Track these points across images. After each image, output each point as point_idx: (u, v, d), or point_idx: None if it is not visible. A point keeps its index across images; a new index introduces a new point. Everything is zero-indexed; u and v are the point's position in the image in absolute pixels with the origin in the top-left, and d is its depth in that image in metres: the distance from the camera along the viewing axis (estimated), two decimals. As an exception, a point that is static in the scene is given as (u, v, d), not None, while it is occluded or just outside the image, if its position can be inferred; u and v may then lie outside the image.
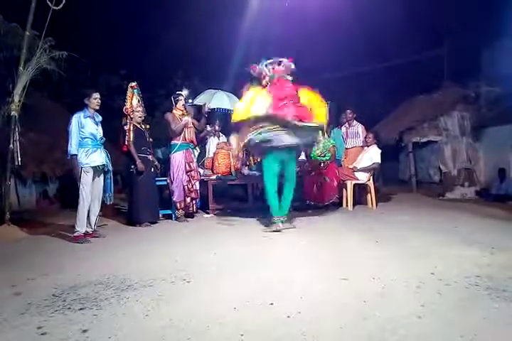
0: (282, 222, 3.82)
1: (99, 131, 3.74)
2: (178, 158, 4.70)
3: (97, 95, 3.71)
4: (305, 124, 3.75)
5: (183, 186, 4.71)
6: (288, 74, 3.99)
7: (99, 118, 3.80)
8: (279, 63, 3.96)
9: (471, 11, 8.25)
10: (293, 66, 4.00)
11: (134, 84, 4.59)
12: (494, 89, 7.66)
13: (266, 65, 3.97)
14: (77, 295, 2.04)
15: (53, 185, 6.92)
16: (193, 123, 4.85)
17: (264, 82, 3.96)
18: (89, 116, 3.67)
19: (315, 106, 3.96)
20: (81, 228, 3.58)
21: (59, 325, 1.67)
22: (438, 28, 9.73)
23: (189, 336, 1.53)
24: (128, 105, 4.50)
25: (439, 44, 10.00)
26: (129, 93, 4.54)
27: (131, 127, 4.38)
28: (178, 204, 4.73)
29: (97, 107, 3.75)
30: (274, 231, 3.77)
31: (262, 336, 1.51)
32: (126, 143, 4.33)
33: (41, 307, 1.89)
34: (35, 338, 1.57)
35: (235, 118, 3.91)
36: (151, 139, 4.64)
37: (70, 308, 1.86)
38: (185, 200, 4.75)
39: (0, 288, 2.21)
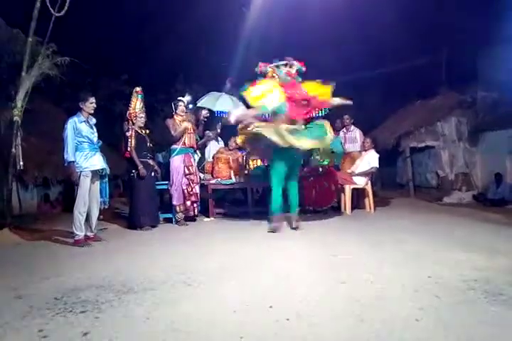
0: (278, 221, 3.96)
1: (95, 135, 3.72)
2: (177, 162, 4.74)
3: (93, 99, 3.66)
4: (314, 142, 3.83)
5: (183, 189, 4.74)
6: (298, 76, 4.09)
7: (94, 121, 3.76)
8: (291, 65, 4.02)
9: (468, 18, 8.36)
10: (303, 68, 4.09)
11: (138, 89, 4.59)
12: (491, 94, 7.73)
13: (278, 67, 4.00)
14: (78, 298, 2.05)
15: (55, 189, 6.94)
16: (193, 129, 4.90)
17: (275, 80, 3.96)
18: (84, 121, 3.61)
19: (320, 93, 3.97)
20: (80, 232, 3.56)
21: (60, 328, 1.68)
22: (435, 34, 9.85)
23: (189, 339, 1.55)
24: (131, 110, 4.53)
25: (436, 50, 10.11)
26: (133, 98, 4.55)
27: (133, 133, 4.41)
28: (177, 208, 4.75)
29: (92, 111, 3.69)
30: (272, 229, 3.88)
31: (261, 339, 1.53)
32: (128, 149, 4.35)
33: (42, 310, 1.90)
34: (36, 341, 1.58)
35: (252, 100, 3.80)
36: (151, 144, 4.67)
37: (71, 311, 1.87)
38: (184, 203, 4.77)
39: (2, 292, 2.22)
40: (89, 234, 3.70)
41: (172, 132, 4.69)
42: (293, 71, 4.02)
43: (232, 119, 3.88)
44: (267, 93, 3.74)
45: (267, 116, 4.11)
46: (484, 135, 7.52)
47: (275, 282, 2.24)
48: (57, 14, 4.30)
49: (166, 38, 10.54)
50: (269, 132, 3.66)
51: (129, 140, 4.36)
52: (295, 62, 4.04)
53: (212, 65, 11.24)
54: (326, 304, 1.86)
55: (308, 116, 3.93)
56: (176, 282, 2.29)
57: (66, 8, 4.30)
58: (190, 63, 11.63)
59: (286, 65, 4.02)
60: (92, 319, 1.77)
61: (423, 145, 8.16)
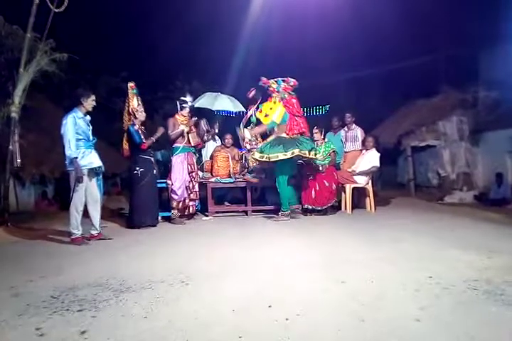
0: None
1: (90, 132, 3.67)
2: (180, 159, 4.78)
3: (93, 97, 3.65)
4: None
5: (186, 186, 4.79)
6: (292, 91, 4.81)
7: (89, 118, 3.71)
8: (288, 82, 4.75)
9: (469, 17, 8.32)
10: (295, 83, 4.77)
11: (132, 84, 4.56)
12: (492, 93, 7.71)
13: (277, 82, 4.74)
14: (76, 297, 2.04)
15: (52, 187, 6.92)
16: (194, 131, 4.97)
17: (274, 96, 4.75)
18: (81, 117, 3.57)
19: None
20: (77, 230, 3.51)
21: (57, 326, 1.67)
22: (436, 33, 9.82)
23: (188, 338, 1.54)
24: (131, 105, 4.51)
25: (437, 49, 10.07)
26: (129, 94, 4.54)
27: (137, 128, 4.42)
28: (175, 203, 4.73)
29: (91, 109, 3.66)
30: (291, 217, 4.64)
31: (260, 338, 1.52)
32: (142, 144, 4.36)
33: (40, 309, 1.89)
34: (33, 339, 1.57)
35: (264, 119, 4.77)
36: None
37: (68, 310, 1.86)
38: (184, 201, 4.80)
39: (-2, 290, 2.21)
40: (93, 232, 3.67)
41: (169, 131, 4.72)
42: (289, 86, 4.76)
43: (253, 134, 5.09)
44: (273, 111, 4.70)
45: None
46: (485, 134, 7.50)
47: (274, 281, 2.23)
48: (56, 10, 4.27)
49: (166, 35, 10.51)
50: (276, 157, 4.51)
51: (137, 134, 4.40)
52: (291, 79, 4.77)
53: (211, 63, 11.21)
54: (326, 303, 1.85)
55: (301, 130, 4.76)
56: (175, 281, 2.28)
57: (65, 4, 4.26)
58: (190, 60, 11.61)
59: (284, 81, 4.75)
60: (89, 317, 1.76)
61: (424, 144, 8.15)
